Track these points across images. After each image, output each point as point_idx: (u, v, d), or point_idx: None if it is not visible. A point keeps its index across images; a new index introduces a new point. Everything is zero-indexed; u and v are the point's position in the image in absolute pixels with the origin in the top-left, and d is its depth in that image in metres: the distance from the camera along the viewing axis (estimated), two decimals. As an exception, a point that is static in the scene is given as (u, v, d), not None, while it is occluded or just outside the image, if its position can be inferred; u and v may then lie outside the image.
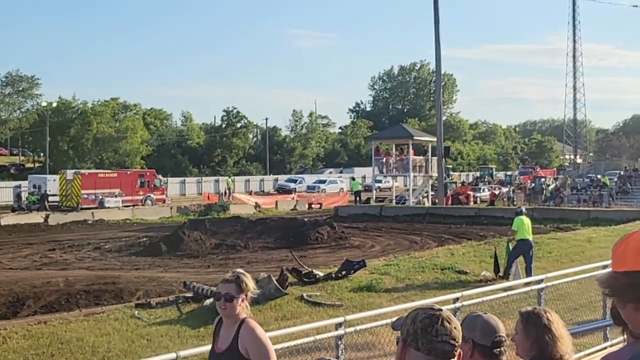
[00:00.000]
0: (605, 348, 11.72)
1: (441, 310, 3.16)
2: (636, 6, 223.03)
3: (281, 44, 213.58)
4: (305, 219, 39.06)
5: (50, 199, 57.35)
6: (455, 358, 3.09)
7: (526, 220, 20.66)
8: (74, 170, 62.05)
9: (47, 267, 27.42)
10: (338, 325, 9.25)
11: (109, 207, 55.33)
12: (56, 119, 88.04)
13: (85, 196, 56.64)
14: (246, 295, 5.36)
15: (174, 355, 7.58)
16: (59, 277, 22.72)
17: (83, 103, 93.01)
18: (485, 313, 4.39)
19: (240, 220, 39.62)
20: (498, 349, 4.16)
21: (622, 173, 67.79)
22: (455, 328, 3.11)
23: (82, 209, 54.04)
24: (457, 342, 3.09)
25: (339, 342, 9.14)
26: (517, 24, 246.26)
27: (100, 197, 57.00)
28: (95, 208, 54.37)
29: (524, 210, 22.15)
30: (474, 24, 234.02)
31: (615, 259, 2.61)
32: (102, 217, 49.80)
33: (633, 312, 2.59)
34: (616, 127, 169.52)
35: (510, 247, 20.58)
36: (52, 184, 59.98)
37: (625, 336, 2.80)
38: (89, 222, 47.86)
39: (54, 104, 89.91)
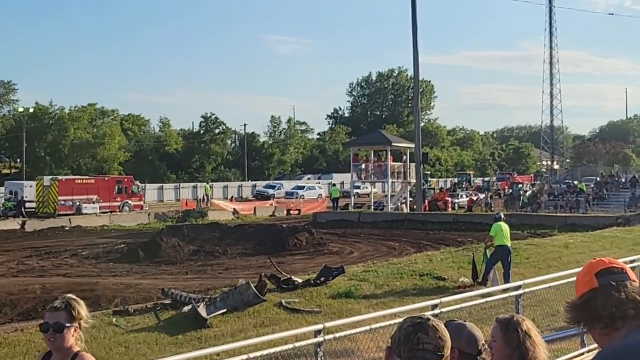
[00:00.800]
0: (583, 354, 11.81)
1: (429, 319, 3.13)
2: (612, 14, 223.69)
3: (259, 50, 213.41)
4: (284, 226, 38.98)
5: (27, 205, 56.96)
6: None
7: (505, 227, 20.74)
8: (51, 177, 61.74)
9: (24, 274, 27.18)
10: (317, 333, 9.23)
11: (86, 214, 55.05)
12: (33, 125, 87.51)
13: (63, 203, 56.33)
14: (80, 325, 4.79)
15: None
16: (36, 284, 22.55)
17: (60, 109, 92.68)
18: (465, 321, 4.42)
19: (218, 227, 39.52)
20: (481, 356, 4.20)
21: (598, 179, 68.28)
22: (440, 338, 3.06)
23: (59, 215, 53.72)
24: (442, 352, 3.05)
25: (319, 350, 9.13)
26: (493, 31, 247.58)
27: (78, 203, 56.73)
28: (73, 214, 54.07)
29: (502, 216, 22.25)
30: (451, 31, 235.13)
31: (576, 289, 2.97)
32: (79, 223, 49.47)
33: (598, 335, 2.82)
34: (593, 133, 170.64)
35: (489, 254, 20.65)
36: (29, 191, 59.59)
37: None
38: (67, 228, 47.52)
39: (31, 110, 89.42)
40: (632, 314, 2.76)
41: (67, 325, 4.72)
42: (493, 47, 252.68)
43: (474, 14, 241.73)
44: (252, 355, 8.42)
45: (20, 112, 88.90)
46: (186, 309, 15.41)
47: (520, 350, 4.16)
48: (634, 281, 2.89)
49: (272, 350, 8.78)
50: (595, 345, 3.03)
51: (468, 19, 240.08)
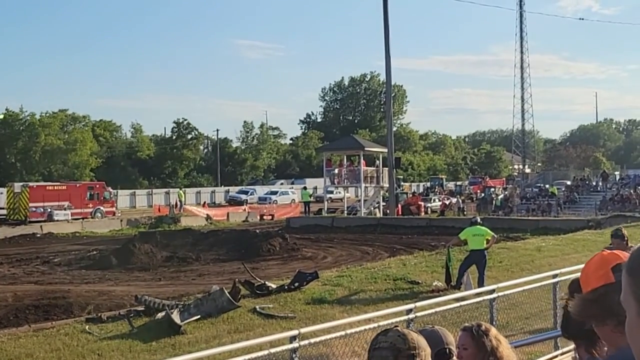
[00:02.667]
0: (556, 357, 11.87)
1: (397, 326, 3.22)
2: (582, 19, 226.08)
3: (230, 55, 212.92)
4: (257, 231, 38.96)
5: (-3, 212, 56.56)
6: None
7: (478, 230, 20.72)
8: (22, 183, 61.23)
9: (-5, 281, 26.97)
10: (292, 338, 9.22)
11: (58, 220, 54.63)
12: (3, 131, 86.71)
13: (34, 209, 55.83)
14: None
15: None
16: (7, 292, 22.37)
17: (31, 115, 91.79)
18: (433, 326, 4.44)
19: (191, 233, 39.39)
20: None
21: (569, 182, 68.82)
22: (399, 336, 3.13)
23: (30, 222, 53.29)
24: (400, 350, 3.10)
25: (294, 356, 9.11)
26: (463, 35, 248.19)
27: (49, 210, 56.26)
28: (44, 221, 53.64)
29: (478, 220, 22.14)
30: (421, 35, 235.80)
31: (582, 283, 2.83)
32: (51, 230, 49.14)
33: (610, 332, 2.74)
34: (563, 137, 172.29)
35: (451, 255, 20.79)
36: (-1, 197, 59.14)
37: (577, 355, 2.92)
38: (38, 235, 47.17)
39: (1, 116, 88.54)
40: None
41: None
42: (463, 51, 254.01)
43: (444, 18, 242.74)
44: (226, 362, 8.39)
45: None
46: (159, 315, 15.33)
47: (495, 355, 4.19)
48: None
49: (246, 357, 8.76)
50: (569, 348, 3.02)
51: (438, 23, 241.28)
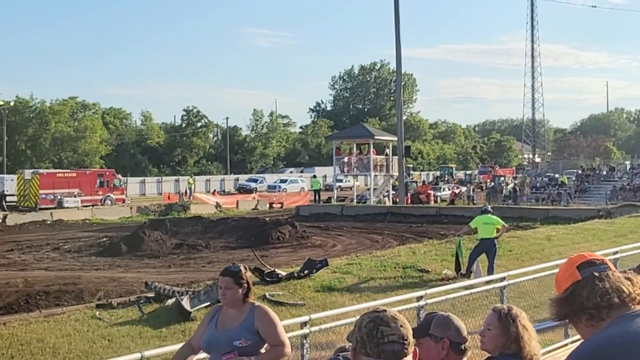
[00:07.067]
0: (567, 345, 11.87)
1: (385, 311, 3.12)
2: (595, 6, 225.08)
3: (240, 44, 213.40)
4: (267, 219, 38.99)
5: (8, 199, 56.69)
6: (410, 357, 3.04)
7: (488, 219, 20.60)
8: (32, 170, 61.39)
9: (6, 268, 27.06)
10: (303, 324, 9.23)
11: (68, 207, 54.77)
12: (13, 118, 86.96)
13: (44, 196, 56.00)
14: None
15: (138, 355, 7.51)
16: (17, 278, 22.46)
17: (41, 102, 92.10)
18: (447, 313, 4.44)
19: (201, 220, 39.48)
20: (465, 345, 4.23)
21: (579, 172, 68.57)
22: (401, 326, 3.04)
23: (40, 209, 53.43)
24: (407, 340, 3.03)
25: (304, 341, 9.12)
26: (470, 24, 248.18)
27: (59, 197, 56.40)
28: (54, 208, 53.79)
29: (489, 208, 21.99)
30: (429, 24, 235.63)
31: (556, 288, 3.03)
32: (61, 217, 49.26)
33: (584, 327, 2.89)
34: (574, 126, 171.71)
35: (462, 245, 20.72)
36: (10, 184, 59.24)
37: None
38: (48, 222, 47.32)
39: (12, 103, 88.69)
40: (617, 302, 2.80)
41: None
42: (472, 40, 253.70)
43: (452, 7, 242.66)
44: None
45: (1, 105, 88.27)
46: (169, 302, 15.35)
47: (517, 343, 4.19)
48: (614, 271, 2.94)
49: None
50: (579, 336, 3.05)
51: (446, 12, 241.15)
